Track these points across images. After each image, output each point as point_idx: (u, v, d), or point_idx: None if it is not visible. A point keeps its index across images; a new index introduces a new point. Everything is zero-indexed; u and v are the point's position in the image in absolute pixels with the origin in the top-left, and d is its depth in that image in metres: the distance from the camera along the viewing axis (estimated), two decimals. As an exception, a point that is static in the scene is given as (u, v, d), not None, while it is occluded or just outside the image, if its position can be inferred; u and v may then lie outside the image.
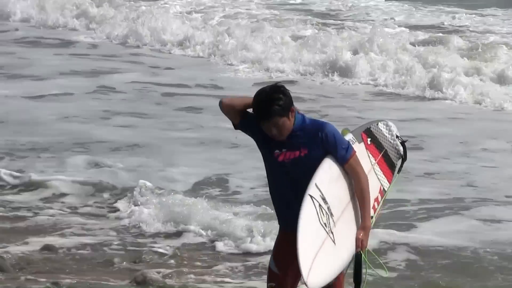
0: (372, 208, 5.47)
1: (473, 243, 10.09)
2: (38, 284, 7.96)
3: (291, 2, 34.61)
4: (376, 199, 5.62)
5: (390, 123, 6.14)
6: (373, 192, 5.50)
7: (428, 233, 10.52)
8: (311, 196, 4.80)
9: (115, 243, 9.85)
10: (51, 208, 11.46)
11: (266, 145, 5.06)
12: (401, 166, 6.02)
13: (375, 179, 5.69)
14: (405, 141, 6.06)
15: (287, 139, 4.92)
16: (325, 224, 4.89)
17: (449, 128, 16.72)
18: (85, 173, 13.31)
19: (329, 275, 4.86)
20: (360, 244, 5.03)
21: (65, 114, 17.47)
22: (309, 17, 30.12)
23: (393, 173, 5.92)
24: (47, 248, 9.37)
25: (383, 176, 5.84)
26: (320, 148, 4.97)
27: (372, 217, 5.41)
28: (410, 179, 12.44)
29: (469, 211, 11.57)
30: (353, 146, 5.45)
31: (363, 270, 5.36)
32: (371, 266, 5.47)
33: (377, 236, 9.61)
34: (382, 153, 5.90)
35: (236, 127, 5.14)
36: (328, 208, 4.95)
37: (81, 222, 10.70)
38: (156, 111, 18.19)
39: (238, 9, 31.75)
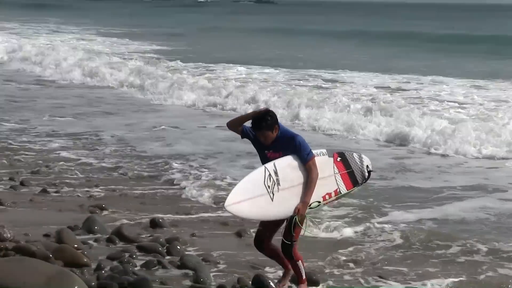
0: (322, 197, 7.25)
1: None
2: (185, 236, 10.09)
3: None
4: (329, 194, 7.31)
5: (363, 156, 7.90)
6: (328, 187, 7.32)
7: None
8: (265, 167, 6.87)
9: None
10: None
11: (261, 148, 7.15)
12: (362, 183, 7.79)
13: (333, 181, 7.39)
14: (372, 171, 7.83)
15: (271, 144, 6.99)
16: (268, 186, 6.79)
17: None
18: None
19: (249, 215, 7.08)
20: (296, 211, 6.87)
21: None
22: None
23: (354, 186, 7.59)
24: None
25: (343, 184, 7.48)
26: (291, 152, 6.96)
27: (319, 202, 7.23)
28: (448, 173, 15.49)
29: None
30: (321, 156, 7.36)
31: (304, 227, 7.15)
32: (301, 226, 7.10)
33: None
34: (348, 170, 7.55)
35: (241, 137, 7.30)
36: (277, 179, 6.84)
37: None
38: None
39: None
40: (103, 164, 15.45)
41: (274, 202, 6.80)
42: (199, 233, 10.33)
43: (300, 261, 7.26)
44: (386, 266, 9.29)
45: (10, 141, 17.47)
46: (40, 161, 15.31)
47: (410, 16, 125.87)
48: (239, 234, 10.54)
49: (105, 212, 11.40)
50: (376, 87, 29.20)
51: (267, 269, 8.82)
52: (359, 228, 11.07)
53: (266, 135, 6.86)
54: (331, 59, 39.85)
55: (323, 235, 10.48)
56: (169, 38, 59.13)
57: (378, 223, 11.36)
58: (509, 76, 31.73)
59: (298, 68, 36.04)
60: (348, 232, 11.06)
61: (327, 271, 9.02)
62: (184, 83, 28.27)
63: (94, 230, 10.05)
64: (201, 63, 36.87)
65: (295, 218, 6.86)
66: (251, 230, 10.52)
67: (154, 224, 10.43)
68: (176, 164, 15.48)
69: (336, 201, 8.36)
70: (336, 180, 7.37)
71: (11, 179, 13.07)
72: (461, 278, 8.95)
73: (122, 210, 11.51)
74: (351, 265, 9.34)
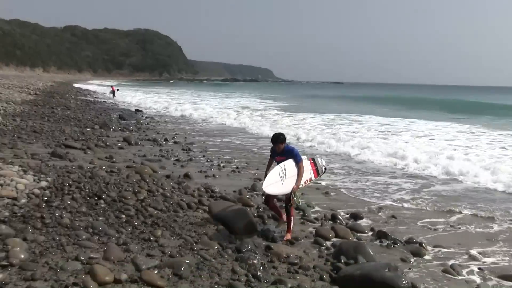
0: (305, 182, 8.11)
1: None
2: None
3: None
4: (307, 180, 8.21)
5: (322, 159, 8.84)
6: (306, 177, 8.13)
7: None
8: (279, 166, 7.71)
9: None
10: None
11: (274, 156, 8.05)
12: (322, 174, 8.66)
13: (309, 174, 8.28)
14: (325, 167, 8.81)
15: (280, 153, 7.90)
16: (281, 176, 7.59)
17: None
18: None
19: (275, 192, 7.66)
20: (292, 189, 7.59)
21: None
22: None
23: (318, 175, 8.55)
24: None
25: (313, 175, 8.43)
26: (290, 157, 7.80)
27: (303, 185, 8.04)
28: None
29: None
30: (304, 159, 8.15)
31: (296, 200, 7.74)
32: (298, 199, 7.80)
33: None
34: (316, 167, 8.50)
35: (272, 158, 8.09)
36: (285, 172, 7.64)
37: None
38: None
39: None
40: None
41: (283, 185, 7.56)
42: (306, 193, 10.62)
43: (292, 216, 7.84)
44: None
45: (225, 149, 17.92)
46: (232, 156, 15.80)
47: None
48: (326, 193, 10.97)
49: (261, 181, 10.49)
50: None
51: (338, 211, 9.44)
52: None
53: (280, 146, 7.81)
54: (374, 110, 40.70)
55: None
56: (290, 100, 62.64)
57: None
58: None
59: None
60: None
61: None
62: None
63: (256, 190, 10.77)
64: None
65: (293, 193, 7.61)
66: (332, 193, 11.06)
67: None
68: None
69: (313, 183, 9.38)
70: (310, 173, 8.31)
71: (218, 165, 13.73)
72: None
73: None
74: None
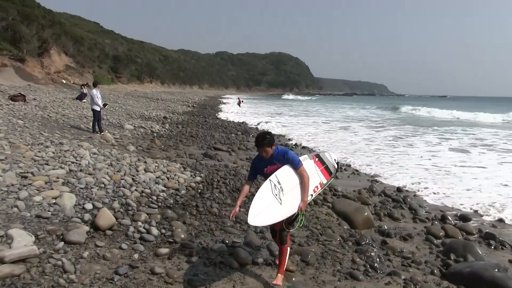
0: (313, 190, 5.26)
1: None
2: (411, 195, 10.20)
3: None
4: (316, 187, 5.37)
5: (332, 154, 6.04)
6: (314, 182, 5.33)
7: None
8: (269, 180, 4.83)
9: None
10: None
11: (260, 167, 5.04)
12: (336, 173, 5.88)
13: (317, 177, 5.48)
14: (338, 163, 5.99)
15: (269, 159, 4.98)
16: (276, 194, 4.76)
17: None
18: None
19: (272, 221, 4.71)
20: (299, 209, 4.83)
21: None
22: None
23: (330, 176, 5.69)
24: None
25: (323, 176, 5.57)
26: (285, 163, 4.97)
27: (312, 195, 5.20)
28: None
29: None
30: (305, 160, 5.47)
31: (300, 221, 4.93)
32: (303, 220, 4.93)
33: None
34: (324, 165, 5.67)
35: (253, 178, 5.13)
36: (281, 186, 4.81)
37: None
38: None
39: None
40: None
41: (282, 205, 4.79)
42: (418, 194, 10.32)
43: (288, 247, 5.17)
44: None
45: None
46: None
47: None
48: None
49: (376, 182, 11.26)
50: None
51: (447, 212, 8.73)
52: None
53: (267, 151, 4.93)
54: None
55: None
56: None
57: None
58: None
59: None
60: None
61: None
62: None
63: (373, 190, 10.13)
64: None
65: (300, 213, 4.92)
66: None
67: (399, 190, 10.46)
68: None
69: (322, 191, 6.76)
70: (319, 175, 5.57)
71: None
72: None
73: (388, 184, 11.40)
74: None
